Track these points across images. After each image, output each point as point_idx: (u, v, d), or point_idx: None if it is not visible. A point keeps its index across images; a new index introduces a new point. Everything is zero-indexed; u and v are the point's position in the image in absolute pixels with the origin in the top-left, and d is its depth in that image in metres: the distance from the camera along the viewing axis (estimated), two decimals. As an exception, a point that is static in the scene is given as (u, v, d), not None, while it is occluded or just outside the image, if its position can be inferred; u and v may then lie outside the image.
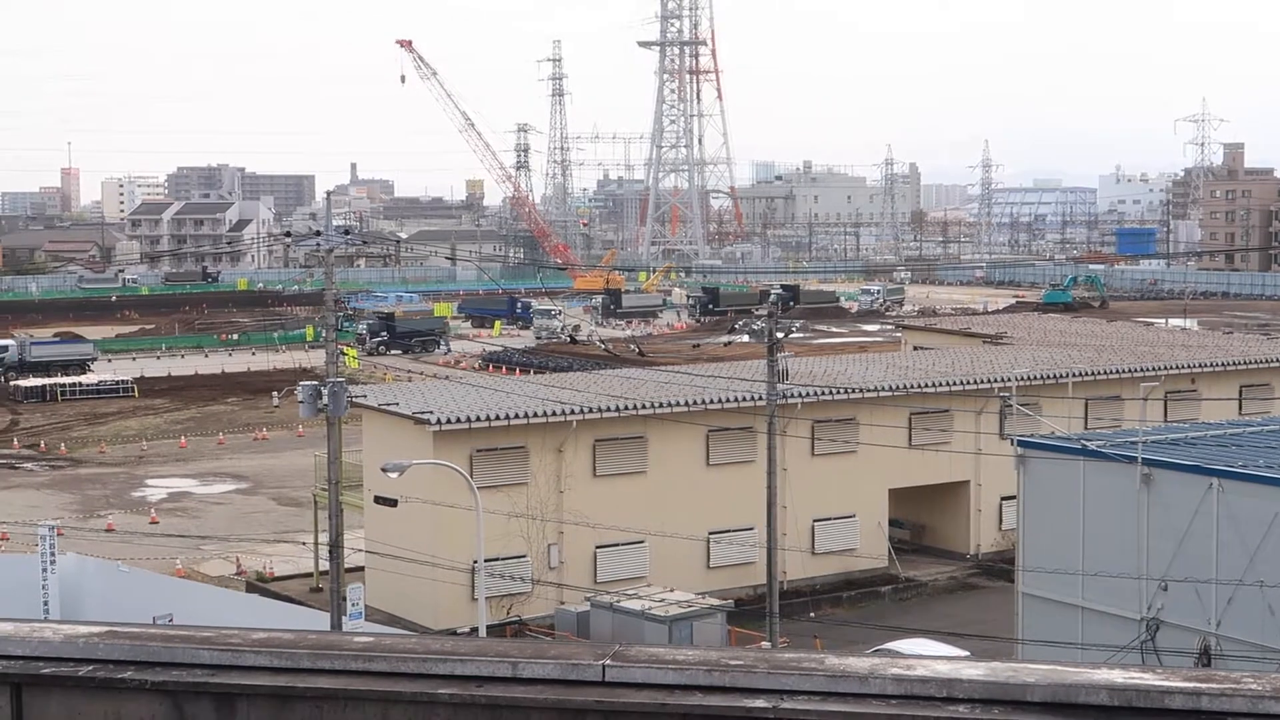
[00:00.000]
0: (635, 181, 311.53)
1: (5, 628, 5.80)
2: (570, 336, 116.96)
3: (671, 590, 43.55)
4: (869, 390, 52.00)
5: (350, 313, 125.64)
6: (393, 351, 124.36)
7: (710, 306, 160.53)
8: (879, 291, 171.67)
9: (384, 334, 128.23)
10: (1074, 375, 55.43)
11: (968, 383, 53.43)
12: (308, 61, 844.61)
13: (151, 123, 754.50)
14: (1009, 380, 49.34)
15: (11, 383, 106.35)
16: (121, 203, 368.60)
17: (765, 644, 39.28)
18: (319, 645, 5.56)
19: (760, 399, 44.45)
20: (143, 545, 51.94)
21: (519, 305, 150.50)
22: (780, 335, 41.29)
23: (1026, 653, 32.61)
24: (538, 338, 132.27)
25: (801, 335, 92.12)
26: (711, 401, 48.75)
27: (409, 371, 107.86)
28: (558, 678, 5.33)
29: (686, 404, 48.35)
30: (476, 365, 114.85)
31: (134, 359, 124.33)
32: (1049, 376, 55.14)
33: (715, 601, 43.26)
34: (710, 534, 48.95)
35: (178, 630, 5.77)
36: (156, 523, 59.91)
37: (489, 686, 5.34)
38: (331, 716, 5.39)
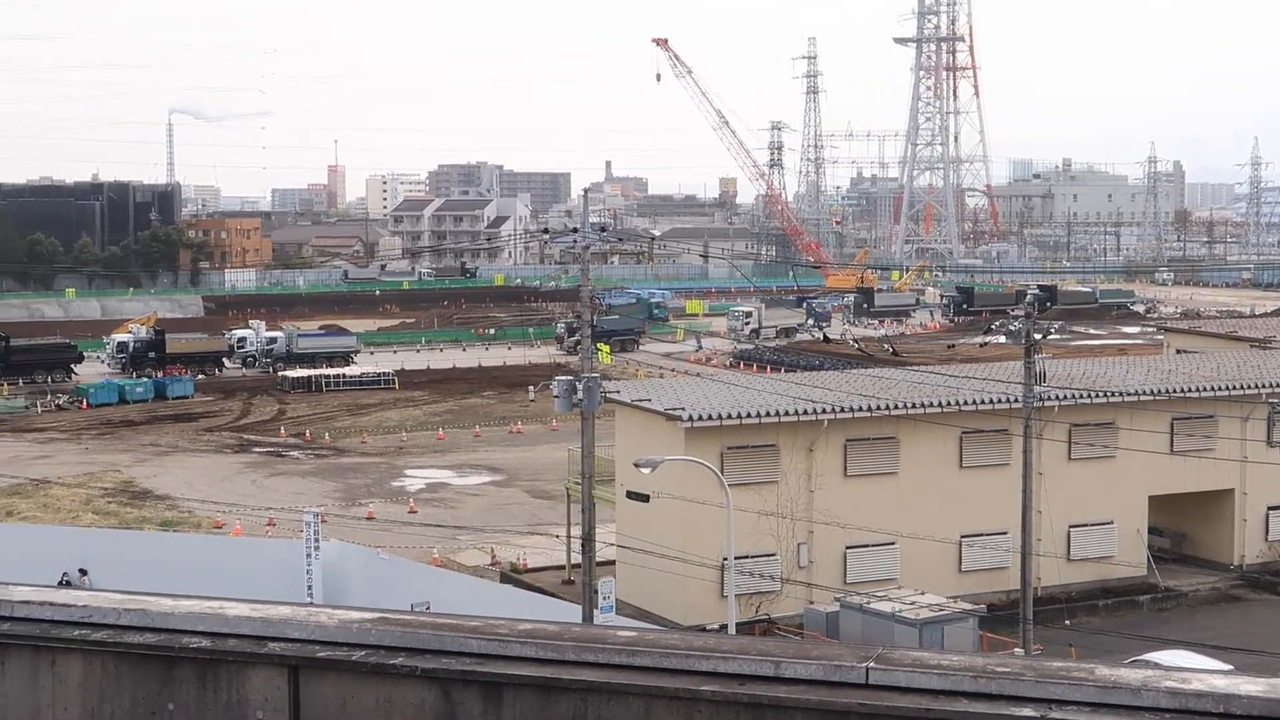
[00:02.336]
0: (889, 179, 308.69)
1: (283, 611, 6.00)
2: (826, 335, 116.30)
3: (922, 593, 43.08)
4: (1129, 394, 50.70)
5: (604, 309, 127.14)
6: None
7: (964, 306, 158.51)
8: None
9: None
10: (1348, 382, 53.23)
11: (1234, 388, 51.73)
12: (564, 60, 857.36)
13: (414, 121, 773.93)
14: (1278, 386, 47.68)
15: (279, 373, 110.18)
16: (384, 199, 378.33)
17: (1018, 651, 38.61)
18: (584, 638, 5.61)
19: (1016, 401, 43.68)
20: (401, 534, 53.35)
21: (805, 304, 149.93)
22: (1037, 336, 40.53)
23: (1294, 669, 31.47)
24: (736, 341, 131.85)
25: (1059, 337, 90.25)
26: (965, 403, 48.07)
27: (660, 368, 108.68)
28: (820, 679, 5.30)
29: (940, 405, 47.76)
30: (727, 363, 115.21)
31: (395, 352, 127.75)
32: (1321, 383, 53.04)
33: (967, 606, 42.66)
34: (962, 537, 48.28)
35: (446, 619, 5.88)
36: (415, 512, 61.38)
37: (751, 685, 5.33)
38: (595, 709, 5.44)
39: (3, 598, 6.27)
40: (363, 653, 5.73)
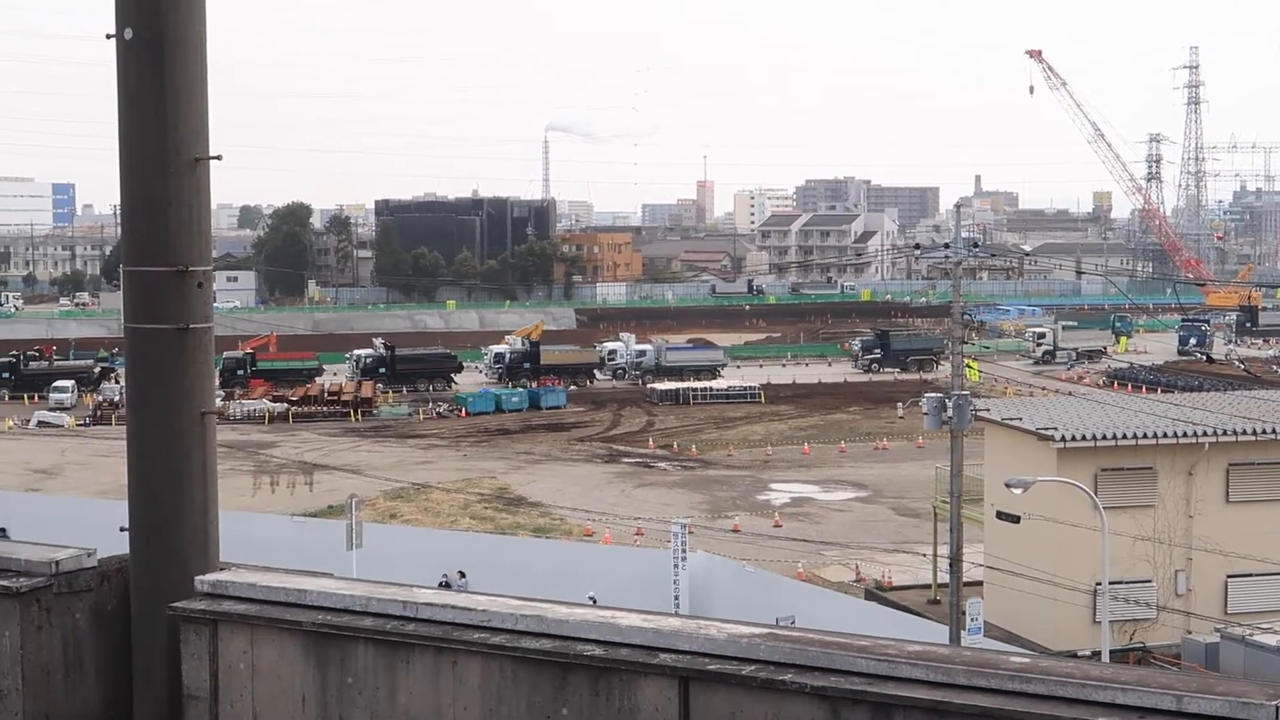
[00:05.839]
0: (1276, 193, 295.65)
1: (673, 623, 6.09)
2: (1209, 355, 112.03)
3: (1311, 627, 41.00)
4: None
5: (975, 325, 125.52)
6: (886, 369, 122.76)
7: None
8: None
9: (878, 350, 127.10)
10: None
11: None
12: (934, 74, 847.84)
13: (782, 137, 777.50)
14: None
15: (648, 385, 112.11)
16: (752, 214, 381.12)
17: None
18: (974, 663, 5.54)
19: None
20: (766, 547, 53.60)
21: (1187, 324, 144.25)
22: None
23: None
24: (1034, 361, 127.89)
25: None
26: (1360, 428, 45.55)
27: (1030, 386, 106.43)
28: (1225, 715, 5.11)
29: (1332, 430, 45.38)
30: (1100, 382, 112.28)
31: (760, 366, 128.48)
32: None
33: (1359, 642, 40.40)
34: (1356, 569, 45.77)
35: (834, 637, 5.89)
36: (780, 526, 61.59)
37: (1150, 719, 5.17)
38: (987, 736, 5.36)
39: (408, 599, 6.55)
40: (752, 667, 5.78)
